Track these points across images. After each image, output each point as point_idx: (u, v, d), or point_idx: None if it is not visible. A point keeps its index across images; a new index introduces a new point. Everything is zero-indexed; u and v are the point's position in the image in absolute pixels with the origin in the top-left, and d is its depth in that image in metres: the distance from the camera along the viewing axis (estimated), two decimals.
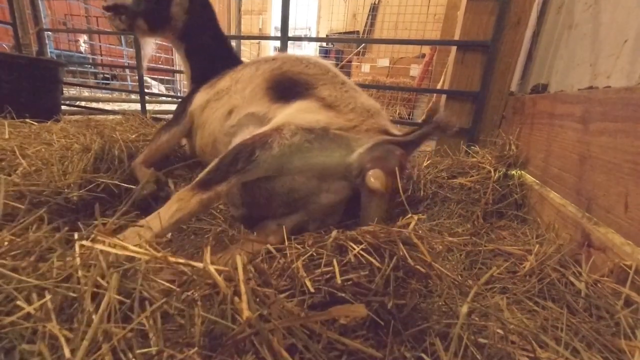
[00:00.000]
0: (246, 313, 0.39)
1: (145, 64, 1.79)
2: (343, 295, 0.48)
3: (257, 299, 0.45)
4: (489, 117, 1.57)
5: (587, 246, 0.75)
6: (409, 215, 0.59)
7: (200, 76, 1.39)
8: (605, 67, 0.94)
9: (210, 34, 1.41)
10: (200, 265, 0.48)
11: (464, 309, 0.40)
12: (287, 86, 1.04)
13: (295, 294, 0.50)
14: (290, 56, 1.20)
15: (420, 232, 0.56)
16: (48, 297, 0.40)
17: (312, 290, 0.48)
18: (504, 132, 1.41)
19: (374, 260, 0.49)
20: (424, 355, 0.43)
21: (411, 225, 0.56)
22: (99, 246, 0.48)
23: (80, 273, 0.45)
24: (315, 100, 0.97)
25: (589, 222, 0.78)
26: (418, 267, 0.49)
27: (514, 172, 1.19)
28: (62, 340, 0.35)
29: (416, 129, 0.92)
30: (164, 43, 4.07)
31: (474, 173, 1.20)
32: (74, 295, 0.42)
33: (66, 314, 0.41)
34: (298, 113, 0.93)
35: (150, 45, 1.60)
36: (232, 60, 1.42)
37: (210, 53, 1.41)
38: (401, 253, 0.49)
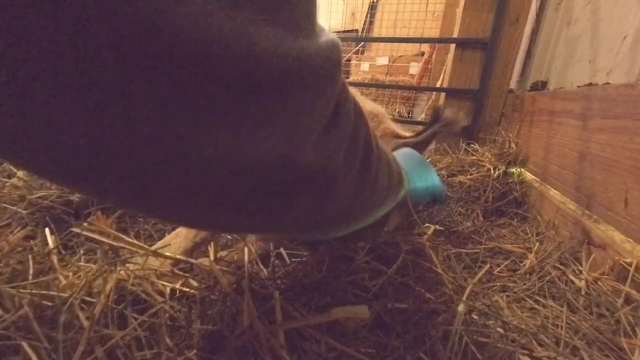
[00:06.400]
0: (248, 314, 0.39)
1: None
2: (345, 297, 0.48)
3: (258, 300, 0.46)
4: (488, 115, 1.56)
5: (587, 244, 0.75)
6: (425, 224, 0.59)
7: None
8: (605, 63, 0.94)
9: None
10: (202, 261, 0.48)
11: (461, 308, 0.40)
12: None
13: (296, 295, 0.50)
14: None
15: (428, 240, 0.56)
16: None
17: (313, 291, 0.48)
18: (504, 130, 1.41)
19: (377, 264, 0.49)
20: (423, 355, 0.43)
21: (428, 234, 0.56)
22: (92, 234, 0.48)
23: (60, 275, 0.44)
24: None
25: (588, 219, 0.78)
26: (425, 273, 0.49)
27: (513, 169, 1.19)
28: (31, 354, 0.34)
29: (425, 129, 0.92)
30: None
31: (474, 171, 1.20)
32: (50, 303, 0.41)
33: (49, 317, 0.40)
34: None
35: None
36: None
37: None
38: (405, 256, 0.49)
